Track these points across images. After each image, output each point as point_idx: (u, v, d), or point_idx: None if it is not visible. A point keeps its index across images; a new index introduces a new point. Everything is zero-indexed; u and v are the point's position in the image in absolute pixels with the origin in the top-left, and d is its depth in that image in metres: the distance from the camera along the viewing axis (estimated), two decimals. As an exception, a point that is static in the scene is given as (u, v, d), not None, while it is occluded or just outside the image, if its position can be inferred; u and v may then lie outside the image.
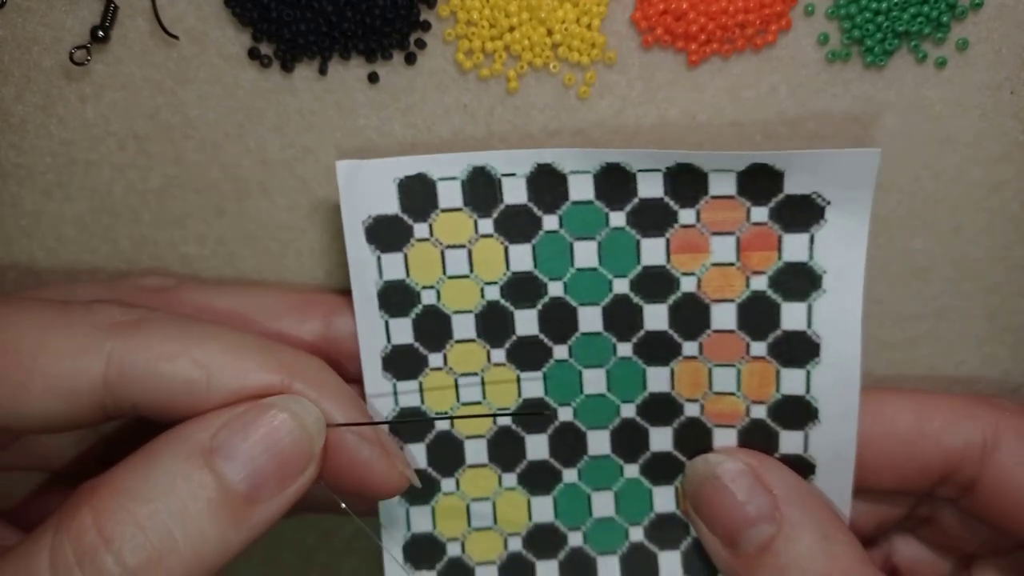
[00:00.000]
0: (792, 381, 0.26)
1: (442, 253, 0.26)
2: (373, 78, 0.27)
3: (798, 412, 0.27)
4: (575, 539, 0.29)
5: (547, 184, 0.25)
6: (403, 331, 0.26)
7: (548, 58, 0.27)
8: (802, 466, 0.27)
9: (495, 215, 0.26)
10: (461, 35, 0.27)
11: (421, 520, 0.28)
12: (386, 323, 0.26)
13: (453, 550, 0.29)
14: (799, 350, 0.26)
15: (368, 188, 0.25)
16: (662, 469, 0.28)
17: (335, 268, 0.29)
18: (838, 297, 0.26)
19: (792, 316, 0.26)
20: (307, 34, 0.26)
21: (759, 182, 0.25)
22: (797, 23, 0.27)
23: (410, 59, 0.27)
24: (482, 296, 0.26)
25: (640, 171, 0.25)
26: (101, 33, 0.26)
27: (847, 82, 0.28)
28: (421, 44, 0.27)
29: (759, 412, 0.27)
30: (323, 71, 0.27)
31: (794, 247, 0.26)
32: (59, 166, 0.28)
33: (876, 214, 0.30)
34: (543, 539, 0.29)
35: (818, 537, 0.24)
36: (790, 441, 0.27)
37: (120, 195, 0.29)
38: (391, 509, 0.28)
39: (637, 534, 0.28)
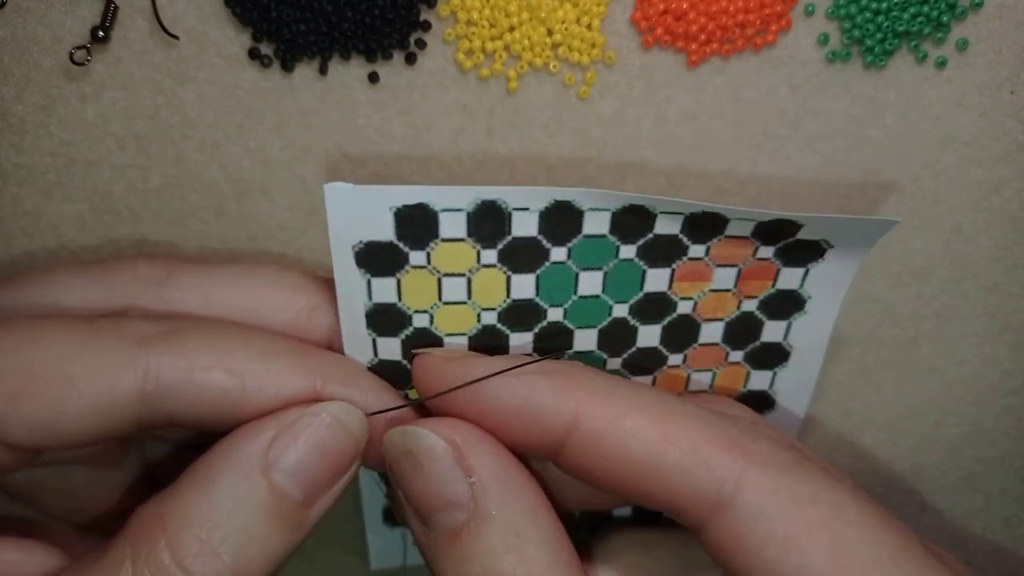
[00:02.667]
0: (759, 380, 0.29)
1: (439, 280, 0.25)
2: (373, 78, 0.27)
3: (759, 401, 0.29)
4: None
5: (561, 219, 0.24)
6: (391, 349, 0.26)
7: (548, 58, 0.27)
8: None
9: (500, 246, 0.25)
10: (461, 35, 0.27)
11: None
12: (373, 340, 0.25)
13: None
14: (771, 357, 0.28)
15: (360, 213, 0.24)
16: None
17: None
18: (815, 317, 0.28)
19: (772, 331, 0.28)
20: (307, 34, 0.26)
21: (776, 230, 0.25)
22: (797, 23, 0.27)
23: (410, 59, 0.27)
24: (478, 321, 0.26)
25: (662, 213, 0.25)
26: (101, 33, 0.26)
27: (847, 82, 0.28)
28: (421, 44, 0.27)
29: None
30: (323, 71, 0.27)
31: (789, 278, 0.27)
32: (59, 166, 0.28)
33: (876, 214, 0.30)
34: None
35: (510, 534, 0.22)
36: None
37: (120, 195, 0.29)
38: None
39: None
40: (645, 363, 0.27)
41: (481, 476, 0.23)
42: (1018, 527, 0.37)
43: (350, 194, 0.23)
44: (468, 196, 0.24)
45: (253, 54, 0.27)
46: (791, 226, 0.25)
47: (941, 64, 0.27)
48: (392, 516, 0.30)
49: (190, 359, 0.23)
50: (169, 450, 0.28)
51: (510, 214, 0.24)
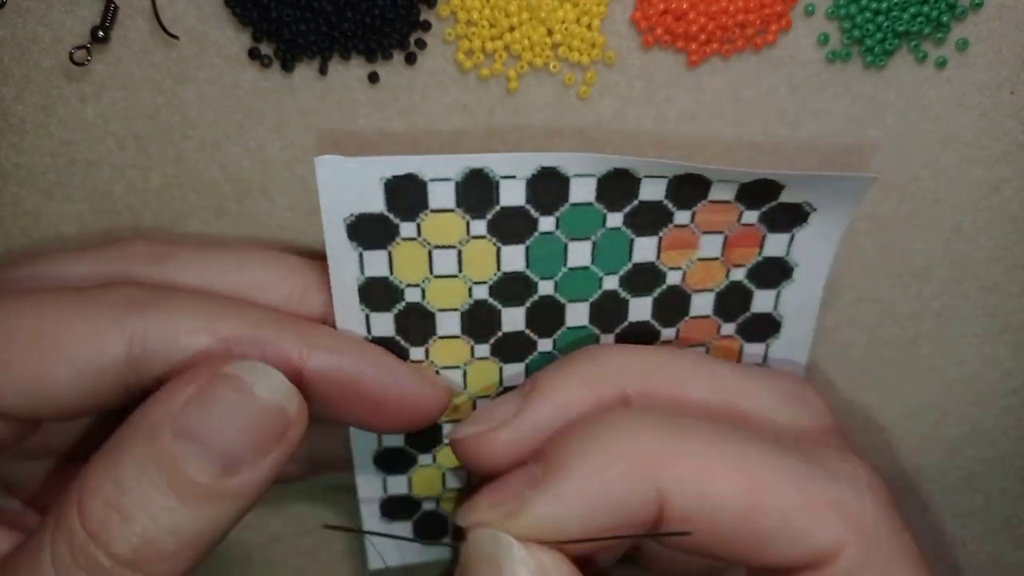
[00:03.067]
0: (752, 354, 0.29)
1: (430, 253, 0.25)
2: (373, 78, 0.27)
3: None
4: None
5: (548, 187, 0.25)
6: (384, 324, 0.26)
7: (548, 58, 0.27)
8: None
9: (489, 216, 0.25)
10: (461, 35, 0.27)
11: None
12: (366, 316, 0.26)
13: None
14: (763, 328, 0.28)
15: (351, 186, 0.24)
16: None
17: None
18: (804, 285, 0.28)
19: (762, 301, 0.28)
20: (307, 34, 0.26)
21: (758, 191, 0.26)
22: (797, 23, 0.27)
23: (410, 59, 0.27)
24: (470, 295, 0.26)
25: (647, 177, 0.25)
26: (101, 33, 0.26)
27: (847, 82, 0.28)
28: (421, 44, 0.27)
29: None
30: (323, 71, 0.27)
31: (775, 245, 0.27)
32: (59, 166, 0.28)
33: (876, 214, 0.30)
34: None
35: None
36: None
37: (120, 195, 0.29)
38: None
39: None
40: (638, 339, 0.27)
41: None
42: (1018, 527, 0.37)
43: (340, 166, 0.23)
44: (456, 165, 0.24)
45: (253, 54, 0.27)
46: (773, 186, 0.25)
47: (941, 64, 0.27)
48: (390, 509, 0.30)
49: (176, 322, 0.22)
50: None
51: (498, 182, 0.24)
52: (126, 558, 0.20)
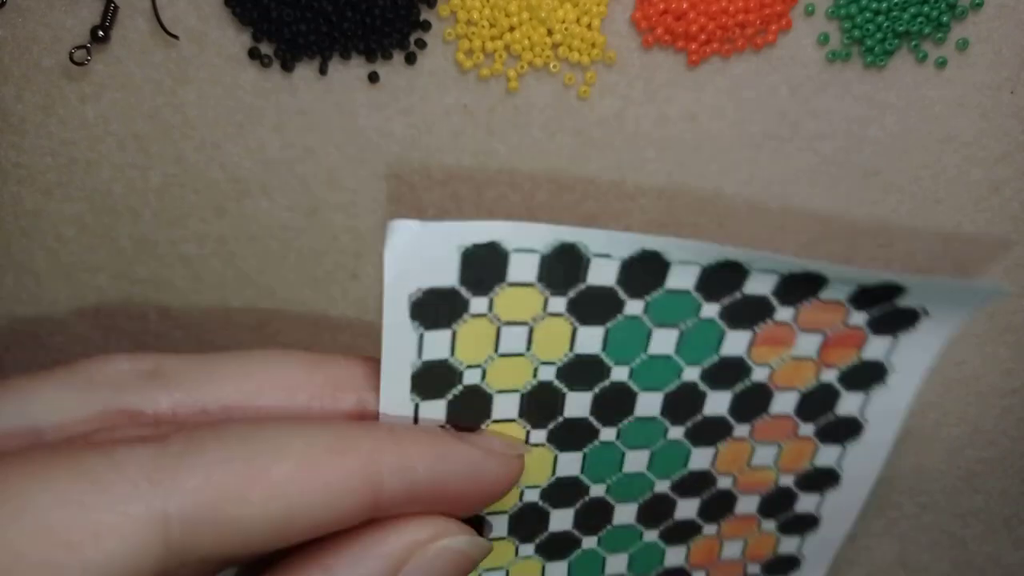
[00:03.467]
0: (827, 455, 0.26)
1: (498, 330, 0.22)
2: (373, 78, 0.27)
3: (822, 479, 0.27)
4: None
5: (646, 270, 0.22)
6: (433, 411, 0.22)
7: (548, 58, 0.27)
8: (808, 523, 0.28)
9: (572, 295, 0.22)
10: (461, 35, 0.27)
11: None
12: (416, 406, 0.22)
13: None
14: (843, 430, 0.26)
15: (424, 256, 0.20)
16: (679, 532, 0.27)
17: (335, 268, 0.30)
18: (896, 391, 0.25)
19: (848, 404, 0.26)
20: (307, 34, 0.26)
21: (878, 294, 0.23)
22: (797, 23, 0.27)
23: (410, 59, 0.27)
24: (534, 376, 0.23)
25: (757, 271, 0.22)
26: (101, 33, 0.26)
27: (847, 82, 0.28)
28: (421, 44, 0.27)
29: (787, 480, 0.27)
30: (323, 71, 0.27)
31: (876, 348, 0.25)
32: (59, 166, 0.28)
33: (876, 214, 0.30)
34: None
35: None
36: (806, 502, 0.28)
37: (120, 195, 0.29)
38: None
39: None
40: (709, 433, 0.25)
41: None
42: (1018, 527, 0.37)
43: (418, 234, 0.20)
44: (546, 236, 0.21)
45: (253, 54, 0.27)
46: (894, 290, 0.23)
47: (941, 64, 0.27)
48: None
49: (214, 489, 0.18)
50: None
51: (589, 260, 0.21)
52: None
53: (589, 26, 0.26)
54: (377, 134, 0.28)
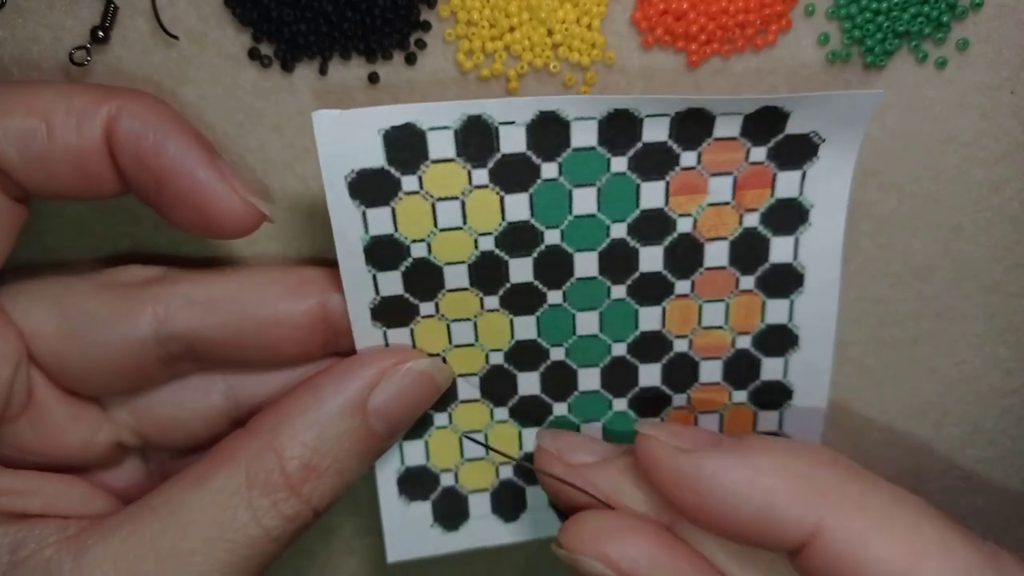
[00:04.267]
0: (776, 311, 0.28)
1: (433, 206, 0.25)
2: (373, 78, 0.27)
3: (780, 340, 0.28)
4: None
5: (549, 132, 0.25)
6: (392, 283, 0.26)
7: (548, 58, 0.27)
8: (780, 392, 0.29)
9: (490, 165, 0.25)
10: (461, 35, 0.27)
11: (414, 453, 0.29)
12: (374, 276, 0.26)
13: (446, 480, 0.30)
14: (785, 281, 0.27)
15: (350, 140, 0.24)
16: (650, 404, 0.29)
17: (335, 267, 0.29)
18: (822, 230, 0.27)
19: (780, 249, 0.27)
20: (307, 34, 0.26)
21: (764, 123, 0.25)
22: (797, 23, 0.27)
23: (410, 59, 0.27)
24: (475, 247, 0.26)
25: (648, 116, 0.25)
26: (101, 33, 0.26)
27: (847, 82, 0.28)
28: (421, 44, 0.27)
29: (744, 342, 0.28)
30: (323, 71, 0.27)
31: (787, 184, 0.26)
32: (59, 166, 0.28)
33: (876, 214, 0.30)
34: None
35: None
36: (771, 368, 0.29)
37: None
38: None
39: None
40: (651, 291, 0.27)
41: None
42: (1018, 527, 0.37)
43: (338, 120, 0.23)
44: (454, 112, 0.24)
45: (253, 54, 0.27)
46: (778, 115, 0.25)
47: (941, 64, 0.27)
48: (409, 486, 0.29)
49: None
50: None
51: (497, 129, 0.24)
52: (292, 472, 0.24)
53: (589, 26, 0.26)
54: (377, 134, 0.28)
